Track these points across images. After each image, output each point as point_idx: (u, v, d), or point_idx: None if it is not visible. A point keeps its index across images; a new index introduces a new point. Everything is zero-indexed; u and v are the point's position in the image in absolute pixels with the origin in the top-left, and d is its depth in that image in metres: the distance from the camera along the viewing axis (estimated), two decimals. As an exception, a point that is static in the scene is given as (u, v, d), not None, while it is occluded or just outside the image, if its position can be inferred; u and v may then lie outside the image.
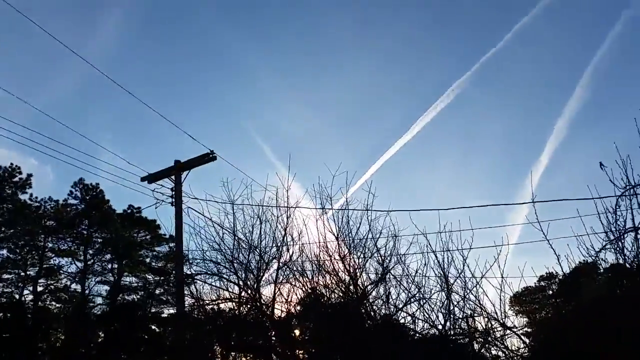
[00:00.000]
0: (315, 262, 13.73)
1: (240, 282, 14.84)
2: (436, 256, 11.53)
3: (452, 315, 11.11)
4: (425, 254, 11.80)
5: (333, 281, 13.63)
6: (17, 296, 39.57)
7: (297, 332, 16.58)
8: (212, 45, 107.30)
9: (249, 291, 14.79)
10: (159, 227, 40.80)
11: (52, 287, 40.49)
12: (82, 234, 40.28)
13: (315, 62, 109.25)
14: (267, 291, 15.05)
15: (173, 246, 40.76)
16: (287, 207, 14.31)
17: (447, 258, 11.36)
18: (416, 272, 11.93)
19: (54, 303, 41.59)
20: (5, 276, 39.22)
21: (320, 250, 13.58)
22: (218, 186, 15.03)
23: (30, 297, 39.51)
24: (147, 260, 42.34)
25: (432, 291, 11.69)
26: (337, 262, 13.25)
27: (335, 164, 13.72)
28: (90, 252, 40.51)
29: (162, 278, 41.20)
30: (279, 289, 14.33)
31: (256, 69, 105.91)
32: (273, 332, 15.66)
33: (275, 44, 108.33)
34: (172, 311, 42.31)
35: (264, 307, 14.91)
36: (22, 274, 39.26)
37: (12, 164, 39.29)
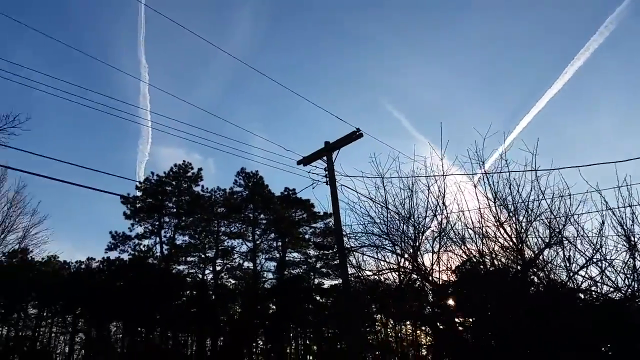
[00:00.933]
0: (473, 228, 13.27)
1: (398, 253, 14.99)
2: (614, 214, 10.50)
3: (638, 276, 10.07)
4: (602, 212, 10.76)
5: (494, 247, 13.14)
6: (200, 276, 45.01)
7: (454, 300, 16.35)
8: (339, 25, 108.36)
9: (407, 261, 14.88)
10: (313, 206, 43.32)
11: (228, 266, 45.19)
12: (249, 217, 44.21)
13: (438, 22, 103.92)
14: (425, 260, 15.03)
15: (327, 222, 42.99)
16: (443, 175, 13.87)
17: (630, 215, 10.29)
18: (599, 232, 10.81)
19: (230, 280, 46.48)
20: (189, 259, 44.85)
21: (481, 217, 12.98)
22: (366, 162, 15.42)
23: (211, 275, 44.63)
24: (307, 236, 44.96)
25: (614, 252, 10.65)
26: (497, 228, 12.72)
27: (477, 124, 13.18)
28: (258, 232, 44.30)
29: (321, 252, 43.43)
30: (438, 257, 14.17)
31: (382, 41, 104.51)
32: (434, 300, 15.67)
33: (395, 11, 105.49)
34: (332, 283, 44.67)
35: (424, 275, 14.90)
36: (203, 256, 44.41)
37: (184, 161, 44.79)
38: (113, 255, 43.16)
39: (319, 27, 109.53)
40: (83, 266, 47.91)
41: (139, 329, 44.64)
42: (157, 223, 43.00)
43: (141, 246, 43.19)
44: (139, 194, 43.31)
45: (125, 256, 43.09)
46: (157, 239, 43.02)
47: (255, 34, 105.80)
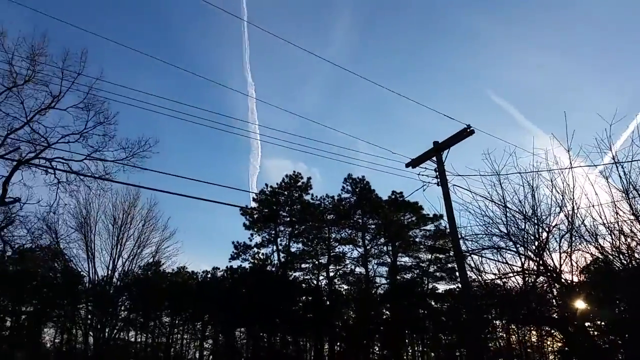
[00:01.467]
0: (607, 224, 12.33)
1: (521, 253, 14.39)
2: None
3: None
4: None
5: (629, 243, 12.15)
6: (314, 282, 46.26)
7: (586, 302, 15.28)
8: (436, 20, 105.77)
9: (532, 261, 14.23)
10: (422, 208, 42.84)
11: (341, 271, 45.98)
12: (358, 222, 44.74)
13: (542, 3, 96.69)
14: (551, 260, 14.25)
15: (438, 224, 42.13)
16: (570, 167, 12.92)
17: None
18: None
19: (343, 285, 47.15)
20: (304, 265, 46.41)
21: (615, 211, 12.00)
22: (479, 159, 14.97)
23: (325, 281, 45.68)
24: (417, 239, 44.40)
25: None
26: (632, 222, 11.75)
27: (598, 110, 12.14)
28: (367, 237, 44.65)
29: (434, 255, 42.66)
30: (568, 256, 13.39)
31: (482, 31, 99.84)
32: (562, 303, 14.80)
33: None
34: (447, 287, 43.64)
35: (551, 276, 14.14)
36: (316, 262, 45.70)
37: (294, 171, 46.78)
38: (235, 264, 46.34)
39: (417, 24, 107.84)
40: (209, 275, 51.21)
41: (261, 334, 46.82)
42: (273, 232, 45.27)
43: (260, 254, 45.80)
44: (255, 205, 45.90)
45: (246, 264, 45.98)
46: (274, 247, 45.38)
47: (354, 36, 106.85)
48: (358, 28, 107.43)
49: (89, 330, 37.82)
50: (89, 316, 38.66)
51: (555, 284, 14.14)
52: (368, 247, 44.29)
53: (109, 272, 36.52)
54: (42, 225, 28.46)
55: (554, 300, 15.27)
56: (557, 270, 13.59)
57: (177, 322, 52.86)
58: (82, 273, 37.25)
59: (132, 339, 50.60)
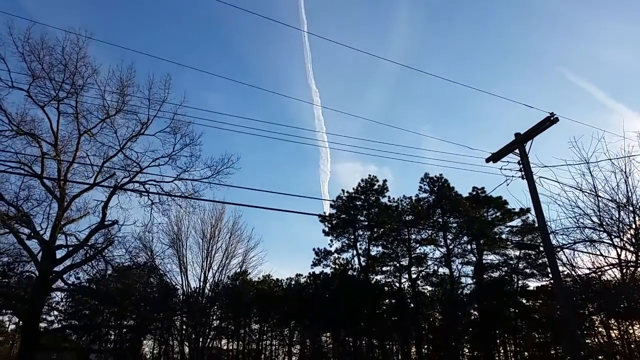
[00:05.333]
0: None
1: (617, 244, 13.69)
2: None
3: None
4: None
5: None
6: (397, 284, 45.85)
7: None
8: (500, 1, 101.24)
9: (630, 252, 13.51)
10: (507, 203, 41.25)
11: (423, 272, 45.26)
12: (438, 222, 43.74)
13: None
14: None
15: (525, 218, 40.36)
16: None
17: None
18: None
19: (427, 287, 46.41)
20: (385, 268, 46.19)
21: None
22: (564, 147, 14.46)
23: (407, 283, 45.11)
24: (504, 236, 42.70)
25: None
26: None
27: None
28: (449, 237, 43.58)
29: (522, 252, 40.93)
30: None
31: (550, 5, 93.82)
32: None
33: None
34: (538, 284, 41.60)
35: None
36: (397, 264, 45.28)
37: (369, 175, 46.86)
38: (317, 270, 47.21)
39: (480, 9, 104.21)
40: (293, 282, 52.26)
41: (347, 338, 47.04)
42: (352, 237, 45.48)
43: (340, 259, 46.21)
44: (332, 211, 46.41)
45: (328, 270, 46.63)
46: (354, 252, 45.47)
47: (415, 31, 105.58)
48: (418, 22, 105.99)
49: (184, 340, 39.74)
50: (184, 327, 40.57)
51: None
52: (450, 247, 43.12)
53: (201, 283, 38.19)
54: (139, 244, 30.44)
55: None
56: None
57: (265, 328, 54.25)
58: (176, 286, 39.25)
59: (225, 347, 52.54)
